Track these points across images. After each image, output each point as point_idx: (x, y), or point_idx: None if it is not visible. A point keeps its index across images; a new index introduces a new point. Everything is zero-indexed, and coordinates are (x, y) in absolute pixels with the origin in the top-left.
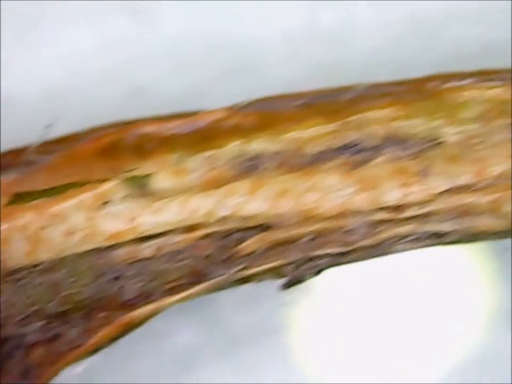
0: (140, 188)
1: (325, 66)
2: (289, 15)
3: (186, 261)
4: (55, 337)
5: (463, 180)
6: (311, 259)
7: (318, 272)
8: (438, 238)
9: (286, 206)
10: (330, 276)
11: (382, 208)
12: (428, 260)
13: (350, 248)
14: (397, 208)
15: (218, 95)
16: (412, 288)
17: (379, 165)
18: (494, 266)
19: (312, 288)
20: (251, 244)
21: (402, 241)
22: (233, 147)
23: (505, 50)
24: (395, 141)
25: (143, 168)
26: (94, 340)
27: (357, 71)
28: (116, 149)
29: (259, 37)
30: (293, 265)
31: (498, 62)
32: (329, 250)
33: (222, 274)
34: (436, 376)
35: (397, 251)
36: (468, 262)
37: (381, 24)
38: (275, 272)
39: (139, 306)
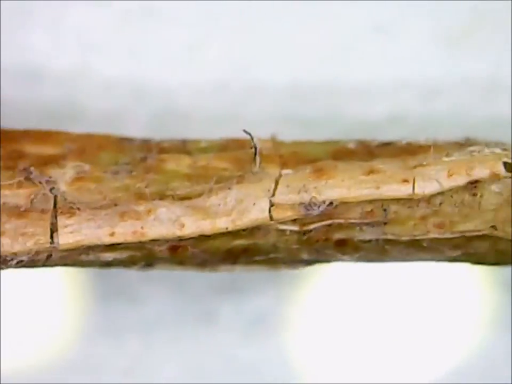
0: None
1: None
2: None
3: None
4: None
5: None
6: None
7: None
8: None
9: None
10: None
11: None
12: (427, 270)
13: None
14: None
15: None
16: (411, 294)
17: None
18: (494, 275)
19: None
20: None
21: None
22: None
23: None
24: None
25: None
26: None
27: None
28: None
29: None
30: None
31: None
32: None
33: None
34: (434, 378)
35: None
36: (468, 271)
37: None
38: None
39: None
